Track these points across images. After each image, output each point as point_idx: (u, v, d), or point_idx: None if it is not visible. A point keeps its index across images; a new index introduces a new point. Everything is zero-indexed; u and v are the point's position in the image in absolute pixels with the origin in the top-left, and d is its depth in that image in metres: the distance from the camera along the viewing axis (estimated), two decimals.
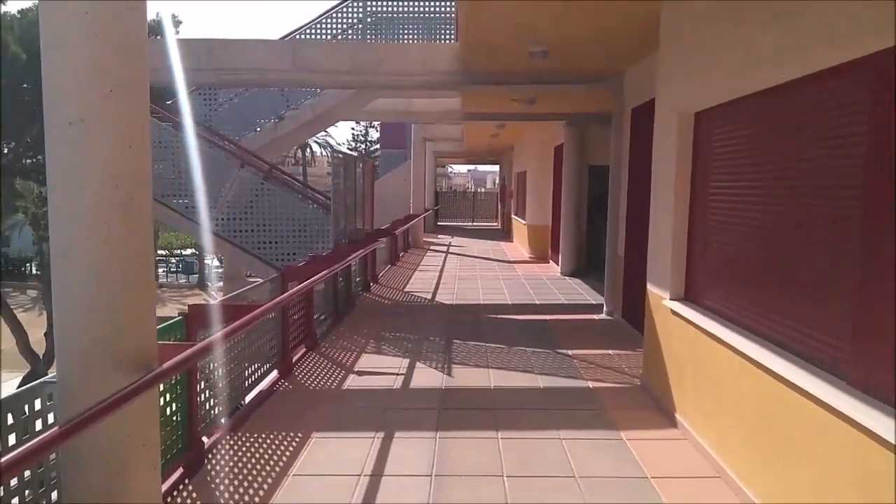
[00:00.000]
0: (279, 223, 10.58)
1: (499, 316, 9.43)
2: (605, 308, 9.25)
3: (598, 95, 10.37)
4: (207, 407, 4.60)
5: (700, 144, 4.97)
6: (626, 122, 8.63)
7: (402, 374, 6.38)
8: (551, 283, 12.46)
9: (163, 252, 44.96)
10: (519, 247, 20.22)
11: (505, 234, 26.40)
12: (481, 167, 64.60)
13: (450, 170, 67.82)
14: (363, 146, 60.73)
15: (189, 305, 4.38)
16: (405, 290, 11.83)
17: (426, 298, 10.85)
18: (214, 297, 31.03)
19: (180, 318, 4.30)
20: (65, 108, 2.63)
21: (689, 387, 4.78)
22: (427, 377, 6.30)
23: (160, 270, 42.23)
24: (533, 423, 5.07)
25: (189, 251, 46.37)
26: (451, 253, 18.92)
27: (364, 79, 8.59)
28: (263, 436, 4.76)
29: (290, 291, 5.09)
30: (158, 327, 4.15)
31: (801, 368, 3.26)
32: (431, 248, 20.42)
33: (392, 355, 7.13)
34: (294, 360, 6.65)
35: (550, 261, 15.86)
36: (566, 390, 5.87)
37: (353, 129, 62.46)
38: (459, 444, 4.68)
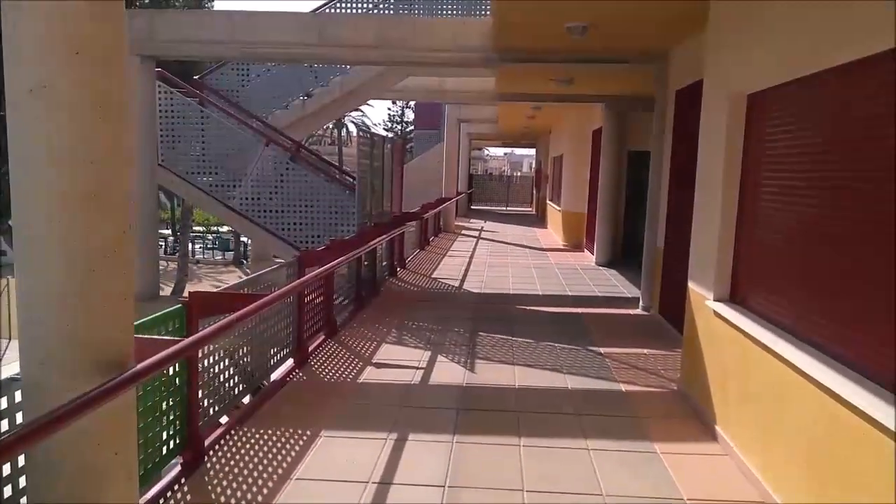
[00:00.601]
0: (305, 204, 10.29)
1: (528, 308, 9.02)
2: (641, 303, 8.77)
3: (640, 77, 9.80)
4: (209, 402, 4.31)
5: (753, 130, 4.47)
6: (670, 105, 8.08)
7: (422, 368, 6.04)
8: (585, 274, 11.98)
9: (199, 228, 45.40)
10: (553, 233, 19.70)
11: (539, 219, 25.85)
12: (518, 151, 63.87)
13: (486, 153, 67.20)
14: (399, 127, 60.44)
15: (190, 293, 4.08)
16: (433, 276, 11.48)
17: (453, 286, 10.48)
18: (247, 274, 31.17)
19: (180, 306, 4.00)
20: (25, 74, 2.29)
21: (734, 398, 4.32)
22: (448, 372, 5.95)
23: (197, 247, 42.61)
24: (559, 429, 4.68)
25: (226, 228, 46.74)
26: (483, 238, 18.51)
27: (391, 54, 8.20)
28: (269, 433, 4.46)
29: (296, 282, 4.73)
30: (156, 315, 3.90)
31: (873, 395, 2.80)
32: (463, 232, 20.03)
33: (413, 346, 6.79)
34: (311, 349, 6.36)
35: (585, 249, 15.35)
36: (596, 393, 5.46)
37: (389, 109, 62.29)
38: (477, 450, 4.31)
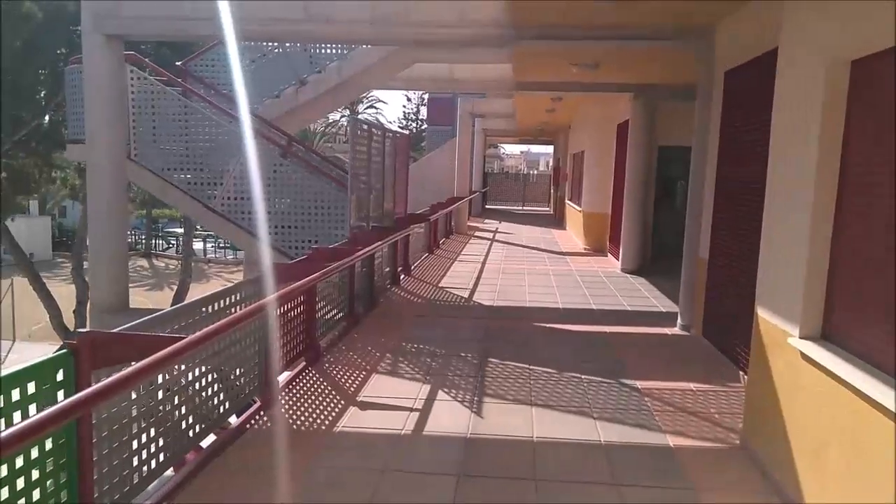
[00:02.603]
0: (297, 205, 9.17)
1: (548, 325, 7.81)
2: (679, 320, 7.54)
3: (676, 60, 8.57)
4: (110, 482, 3.15)
5: (858, 109, 3.26)
6: (717, 90, 6.83)
7: (417, 410, 4.88)
8: (610, 283, 10.74)
9: None
10: (573, 236, 18.45)
11: (557, 220, 24.60)
12: (534, 148, 62.40)
13: (502, 150, 65.91)
14: (415, 125, 59.26)
15: (80, 335, 2.94)
16: (440, 284, 10.32)
17: (462, 297, 9.31)
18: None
19: (65, 351, 2.87)
20: None
21: (836, 474, 3.11)
22: (449, 416, 4.78)
23: (209, 245, 41.81)
24: None
25: None
26: (497, 241, 17.31)
27: (388, 32, 7.03)
28: None
29: (227, 320, 3.47)
30: (30, 365, 2.80)
31: None
32: (476, 234, 18.85)
33: (409, 378, 5.63)
34: (284, 382, 5.23)
35: (609, 254, 14.09)
36: (638, 450, 4.26)
37: (404, 106, 61.24)
38: None
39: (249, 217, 8.95)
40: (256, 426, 4.50)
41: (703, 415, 4.87)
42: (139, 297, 29.93)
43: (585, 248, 15.46)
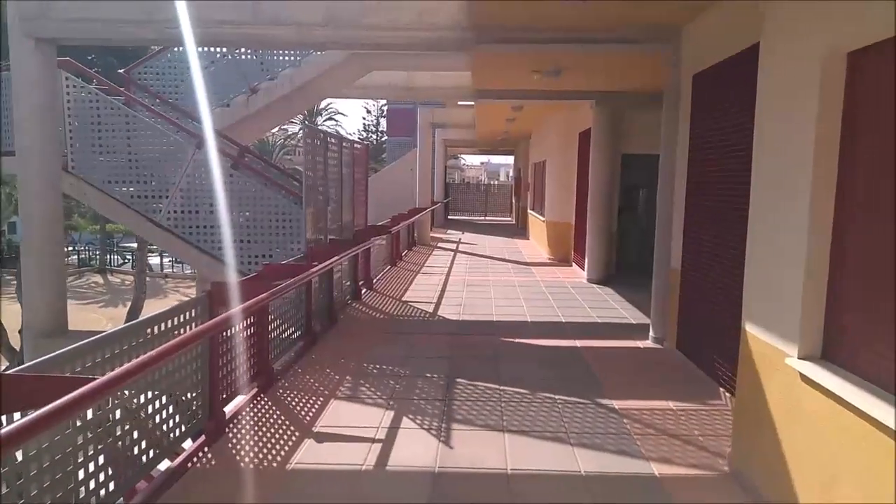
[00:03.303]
0: (249, 218, 8.66)
1: (516, 340, 7.47)
2: (651, 332, 7.27)
3: (640, 64, 8.37)
4: None
5: (856, 104, 3.00)
6: (686, 93, 6.62)
7: (379, 441, 4.45)
8: (578, 294, 10.47)
9: None
10: (536, 245, 18.23)
11: (520, 230, 24.42)
12: (494, 159, 62.60)
13: (462, 161, 65.95)
14: (375, 136, 58.77)
15: None
16: (403, 298, 9.91)
17: (427, 312, 8.91)
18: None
19: None
20: None
21: None
22: (415, 448, 4.37)
23: (166, 260, 40.47)
24: None
25: None
26: (461, 251, 16.97)
27: (343, 35, 6.62)
28: None
29: (153, 353, 2.98)
30: None
31: None
32: (439, 245, 18.49)
33: (371, 404, 5.20)
34: (231, 413, 4.75)
35: (573, 263, 13.87)
36: (621, 481, 3.91)
37: (364, 118, 60.73)
38: None
39: (198, 231, 8.40)
40: (199, 465, 4.02)
41: (687, 437, 4.56)
42: (93, 315, 28.76)
43: (550, 258, 15.22)
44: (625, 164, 12.05)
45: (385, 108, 46.08)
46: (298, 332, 6.77)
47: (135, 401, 3.40)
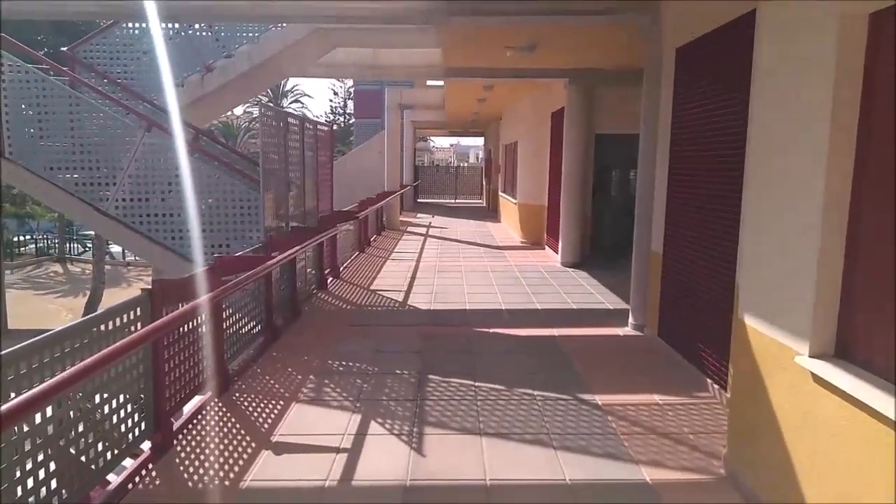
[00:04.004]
0: (205, 206, 8.12)
1: (491, 330, 7.10)
2: (630, 319, 6.98)
3: (616, 39, 8.02)
4: None
5: (879, 72, 2.65)
6: (668, 68, 6.25)
7: (344, 451, 4.05)
8: (552, 278, 10.15)
9: None
10: (508, 228, 17.89)
11: (491, 212, 24.07)
12: (464, 141, 62.05)
13: (432, 144, 65.25)
14: (342, 119, 57.75)
15: None
16: (371, 287, 9.47)
17: (396, 301, 8.50)
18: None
19: None
20: None
21: None
22: (384, 457, 3.97)
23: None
24: None
25: None
26: (431, 236, 16.55)
27: (303, 5, 6.11)
28: None
29: (75, 369, 2.52)
30: None
31: None
32: (409, 229, 18.04)
33: (336, 407, 4.79)
34: (180, 423, 4.30)
35: (547, 247, 13.56)
36: (611, 489, 3.57)
37: (331, 100, 59.50)
38: None
39: (148, 221, 7.84)
40: (142, 483, 3.58)
41: (677, 436, 4.24)
42: (50, 306, 27.67)
43: (522, 242, 14.90)
44: (598, 144, 11.73)
45: (352, 89, 45.18)
46: (258, 328, 6.32)
47: (48, 428, 2.92)
